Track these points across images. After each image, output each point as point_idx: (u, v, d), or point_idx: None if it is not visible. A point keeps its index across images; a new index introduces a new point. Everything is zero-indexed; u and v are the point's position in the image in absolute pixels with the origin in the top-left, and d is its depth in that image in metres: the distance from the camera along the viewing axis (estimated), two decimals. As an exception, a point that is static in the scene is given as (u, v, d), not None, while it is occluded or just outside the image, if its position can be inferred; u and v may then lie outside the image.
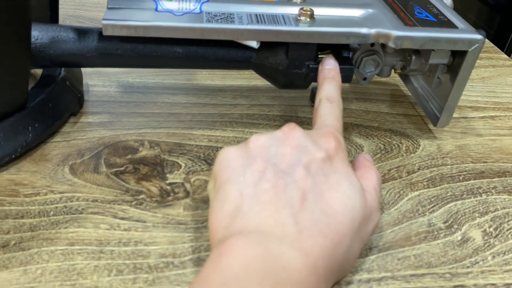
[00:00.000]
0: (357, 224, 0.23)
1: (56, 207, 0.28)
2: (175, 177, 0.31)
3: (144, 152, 0.33)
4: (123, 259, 0.25)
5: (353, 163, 0.29)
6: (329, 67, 0.33)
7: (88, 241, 0.26)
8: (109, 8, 0.31)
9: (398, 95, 0.43)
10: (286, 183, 0.23)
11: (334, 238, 0.22)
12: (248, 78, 0.43)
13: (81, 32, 0.32)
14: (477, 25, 0.33)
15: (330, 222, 0.22)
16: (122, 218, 0.28)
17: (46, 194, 0.29)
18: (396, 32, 0.31)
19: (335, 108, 0.29)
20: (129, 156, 0.33)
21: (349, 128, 0.38)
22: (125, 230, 0.27)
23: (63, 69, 0.36)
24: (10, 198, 0.28)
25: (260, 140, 0.25)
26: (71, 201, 0.29)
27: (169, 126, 0.36)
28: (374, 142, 0.37)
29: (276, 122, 0.38)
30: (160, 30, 0.30)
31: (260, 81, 0.43)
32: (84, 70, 0.40)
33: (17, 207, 0.28)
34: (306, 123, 0.38)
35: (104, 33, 0.30)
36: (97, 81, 0.41)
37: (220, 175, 0.24)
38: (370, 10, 0.34)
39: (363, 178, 0.26)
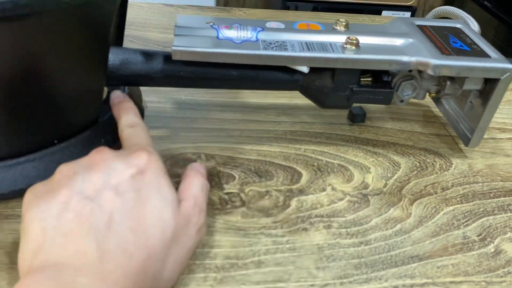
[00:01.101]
0: (169, 234, 0.24)
1: (129, 212, 0.32)
2: (231, 188, 0.35)
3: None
4: (193, 259, 0.29)
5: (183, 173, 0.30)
6: (119, 99, 0.34)
7: (161, 243, 0.30)
8: (176, 35, 0.35)
9: (430, 115, 0.46)
10: (91, 209, 0.23)
11: (142, 254, 0.23)
12: (289, 97, 0.47)
13: (148, 55, 0.36)
14: (495, 44, 0.36)
15: (137, 238, 0.23)
16: (188, 223, 0.31)
17: (119, 200, 0.32)
18: (435, 61, 0.35)
19: (138, 130, 0.30)
20: (189, 168, 0.36)
21: (386, 146, 0.41)
22: (192, 234, 0.30)
23: (127, 87, 0.40)
24: (88, 203, 0.32)
25: (66, 170, 0.25)
26: (142, 207, 0.32)
27: (221, 140, 0.40)
28: (410, 160, 0.40)
29: (317, 139, 0.41)
30: (223, 56, 0.34)
31: (300, 100, 0.46)
32: (142, 87, 0.44)
33: (95, 211, 0.31)
34: (346, 140, 0.41)
35: (173, 58, 0.34)
36: (153, 97, 0.44)
37: (26, 215, 0.24)
38: (410, 40, 0.37)
39: (184, 188, 0.28)
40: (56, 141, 0.32)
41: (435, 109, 0.47)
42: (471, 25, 0.56)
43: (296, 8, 1.47)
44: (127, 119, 0.32)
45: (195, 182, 0.28)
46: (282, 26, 0.38)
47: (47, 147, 0.32)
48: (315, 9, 1.47)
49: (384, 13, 1.51)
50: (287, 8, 1.46)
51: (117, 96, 0.35)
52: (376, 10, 1.50)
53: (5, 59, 0.26)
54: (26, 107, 0.29)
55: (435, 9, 0.69)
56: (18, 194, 0.31)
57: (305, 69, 0.36)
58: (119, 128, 0.31)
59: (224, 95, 0.46)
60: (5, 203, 0.31)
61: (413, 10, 1.52)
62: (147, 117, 0.41)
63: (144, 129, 0.31)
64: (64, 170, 0.25)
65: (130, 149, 0.27)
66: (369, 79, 0.39)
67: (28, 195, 0.25)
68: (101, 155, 0.26)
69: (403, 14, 1.53)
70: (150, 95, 0.44)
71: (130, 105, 0.33)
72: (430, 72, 0.35)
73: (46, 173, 0.31)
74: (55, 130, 0.32)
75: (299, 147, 0.40)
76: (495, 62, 0.36)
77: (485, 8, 1.54)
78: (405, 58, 0.35)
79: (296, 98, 0.47)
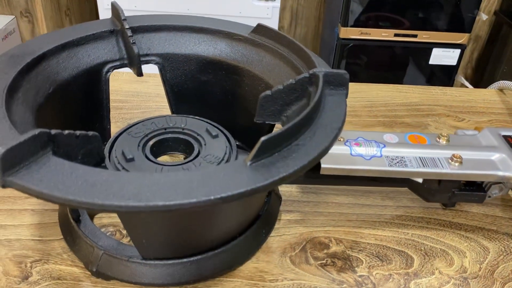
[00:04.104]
0: None
1: (293, 291, 0.43)
2: (361, 271, 0.45)
3: (334, 248, 0.48)
4: (348, 333, 0.40)
5: None
6: None
7: (322, 319, 0.41)
8: (321, 152, 0.46)
9: (508, 199, 0.56)
10: None
11: None
12: (389, 181, 0.57)
13: (294, 163, 0.47)
14: None
15: None
16: (338, 302, 0.42)
17: (282, 280, 0.44)
18: (524, 177, 0.45)
19: None
20: (325, 251, 0.47)
21: (475, 230, 0.51)
22: (343, 311, 0.41)
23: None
24: (261, 282, 0.43)
25: None
26: (299, 287, 0.43)
27: (343, 224, 0.51)
28: (496, 245, 0.49)
29: (420, 223, 0.51)
30: (359, 171, 0.45)
31: (398, 184, 0.56)
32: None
33: (268, 289, 0.43)
34: (442, 225, 0.51)
35: (322, 173, 0.45)
36: (282, 182, 0.55)
37: None
38: (503, 155, 0.47)
39: None
40: (238, 236, 0.44)
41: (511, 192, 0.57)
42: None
43: (347, 46, 1.56)
44: None
45: None
46: (397, 139, 0.49)
47: (233, 240, 0.43)
48: (357, 46, 1.56)
49: (435, 50, 1.59)
50: (342, 46, 1.57)
51: None
52: (427, 48, 1.58)
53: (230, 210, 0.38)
54: (233, 222, 0.41)
55: (496, 82, 0.79)
56: (217, 275, 0.43)
57: (420, 180, 0.46)
58: None
59: (335, 178, 0.57)
60: (206, 283, 0.43)
61: (462, 48, 1.60)
62: (282, 201, 0.53)
63: None
64: None
65: None
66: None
67: None
68: None
69: (453, 52, 1.60)
70: (280, 180, 0.56)
71: None
72: (520, 185, 0.45)
73: (233, 261, 0.43)
74: (239, 229, 0.44)
75: (407, 231, 0.50)
76: None
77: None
78: (500, 173, 0.45)
79: (394, 182, 0.57)
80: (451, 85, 1.73)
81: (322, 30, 2.01)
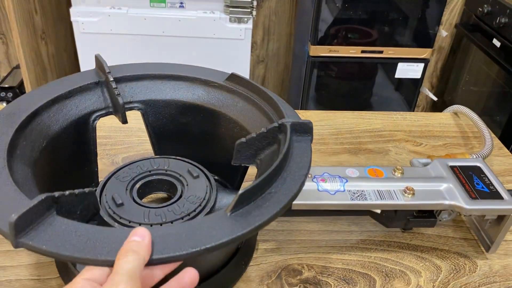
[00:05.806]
0: None
1: (270, 316, 0.48)
2: (330, 293, 0.51)
3: (306, 274, 0.53)
4: None
5: None
6: (136, 238, 0.33)
7: None
8: (291, 190, 0.52)
9: (458, 220, 0.63)
10: None
11: None
12: (354, 206, 0.63)
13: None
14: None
15: None
16: (310, 324, 0.48)
17: (261, 306, 0.49)
18: (466, 206, 0.51)
19: None
20: (298, 277, 0.53)
21: (430, 251, 0.58)
22: (314, 332, 0.47)
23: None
24: (242, 309, 0.49)
25: None
26: (277, 312, 0.49)
27: (313, 251, 0.56)
28: (448, 263, 0.56)
29: (381, 246, 0.58)
30: (325, 205, 0.51)
31: (362, 209, 0.63)
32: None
33: (248, 316, 0.48)
34: (401, 247, 0.58)
35: (293, 208, 0.51)
36: (258, 212, 0.61)
37: None
38: (450, 185, 0.54)
39: None
40: (220, 269, 0.49)
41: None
42: (486, 137, 0.72)
43: (316, 64, 1.63)
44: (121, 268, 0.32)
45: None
46: (357, 173, 0.55)
47: (216, 274, 0.49)
48: (327, 62, 1.64)
49: (400, 65, 1.68)
50: (313, 64, 1.64)
51: (140, 233, 0.34)
52: (392, 63, 1.67)
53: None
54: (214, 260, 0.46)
55: (451, 106, 0.86)
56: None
57: (378, 211, 0.53)
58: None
59: (306, 206, 0.63)
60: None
61: (426, 62, 1.69)
62: (260, 231, 0.58)
63: None
64: None
65: None
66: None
67: None
68: None
69: (417, 65, 1.70)
70: (256, 211, 0.61)
71: (140, 251, 0.33)
72: (463, 213, 0.52)
73: (217, 292, 0.48)
74: (221, 264, 0.49)
75: (370, 255, 0.56)
76: (507, 204, 0.52)
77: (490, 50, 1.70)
78: (446, 202, 0.52)
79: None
80: (417, 96, 1.83)
81: (294, 45, 2.08)
